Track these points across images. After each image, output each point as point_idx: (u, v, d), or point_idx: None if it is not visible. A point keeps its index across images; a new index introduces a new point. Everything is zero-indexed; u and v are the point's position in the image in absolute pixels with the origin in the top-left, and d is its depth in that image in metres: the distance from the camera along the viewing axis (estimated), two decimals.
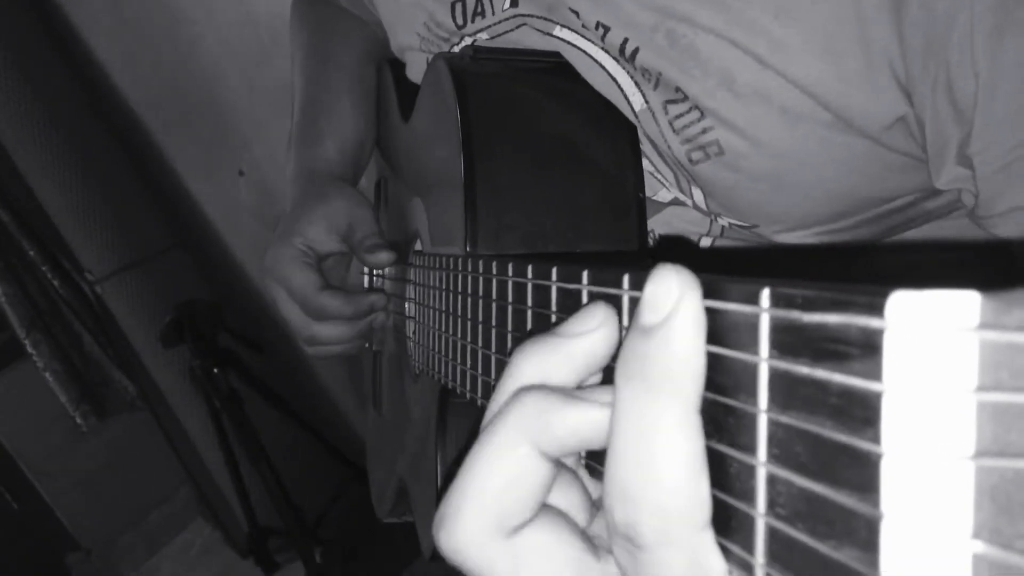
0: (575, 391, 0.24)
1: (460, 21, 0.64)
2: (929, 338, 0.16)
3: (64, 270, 1.74)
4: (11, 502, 1.80)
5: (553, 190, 0.53)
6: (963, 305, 0.15)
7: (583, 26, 0.56)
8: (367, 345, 0.93)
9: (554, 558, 0.24)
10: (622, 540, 0.22)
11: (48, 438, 1.84)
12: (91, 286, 1.74)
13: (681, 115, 0.53)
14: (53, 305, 1.79)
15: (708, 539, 0.21)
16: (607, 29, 0.54)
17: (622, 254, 0.53)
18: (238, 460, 1.60)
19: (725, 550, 0.21)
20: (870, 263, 0.60)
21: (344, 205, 0.76)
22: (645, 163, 0.59)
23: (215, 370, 1.52)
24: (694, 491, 0.21)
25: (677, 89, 0.52)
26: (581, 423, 0.23)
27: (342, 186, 0.79)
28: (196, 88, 1.77)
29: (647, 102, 0.55)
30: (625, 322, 0.26)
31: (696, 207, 0.59)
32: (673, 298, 0.21)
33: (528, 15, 0.59)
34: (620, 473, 0.21)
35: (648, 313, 0.21)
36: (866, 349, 0.17)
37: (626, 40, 0.53)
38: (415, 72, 0.73)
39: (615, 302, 0.26)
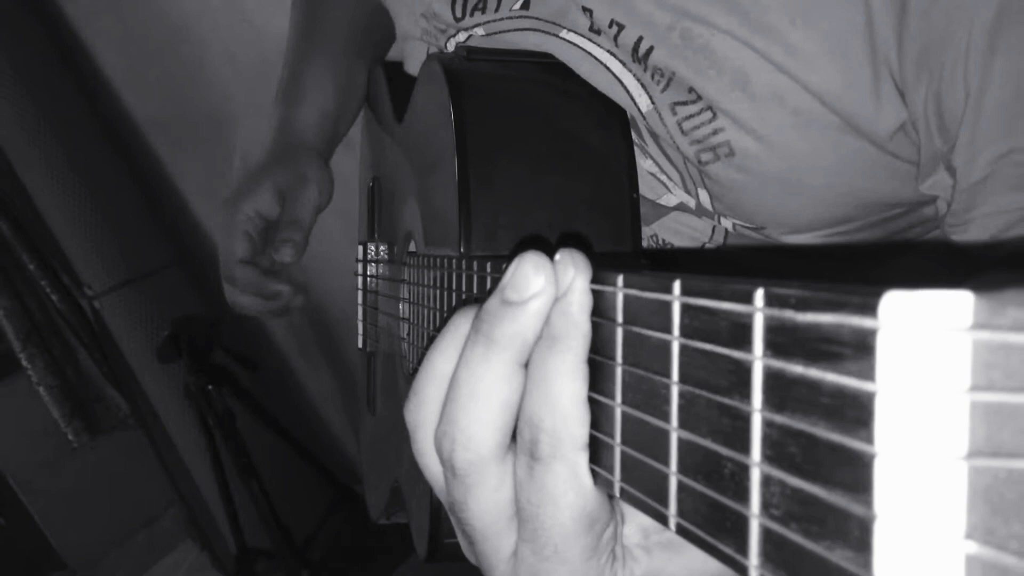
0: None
1: (459, 14, 0.65)
2: (922, 338, 0.16)
3: (63, 284, 1.74)
4: None
5: (547, 190, 0.53)
6: (956, 305, 0.16)
7: (591, 28, 0.57)
8: (360, 347, 0.93)
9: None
10: (525, 457, 0.28)
11: (38, 453, 1.82)
12: (89, 301, 1.73)
13: (691, 116, 0.53)
14: (50, 319, 1.78)
15: (584, 457, 0.28)
16: (621, 27, 0.55)
17: (616, 254, 0.53)
18: (228, 479, 1.59)
19: (719, 552, 0.21)
20: (874, 266, 0.61)
21: (292, 176, 0.79)
22: (649, 164, 0.59)
23: (209, 387, 1.52)
24: (578, 419, 0.28)
25: (691, 89, 0.52)
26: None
27: (308, 157, 0.81)
28: (200, 104, 1.78)
29: (654, 103, 0.55)
30: (620, 318, 0.26)
31: (700, 209, 0.59)
32: (568, 279, 0.27)
33: (537, 18, 0.60)
34: (528, 404, 0.28)
35: (559, 291, 0.28)
36: (859, 349, 0.17)
37: (640, 39, 0.54)
38: (412, 64, 0.74)
39: (607, 299, 0.27)
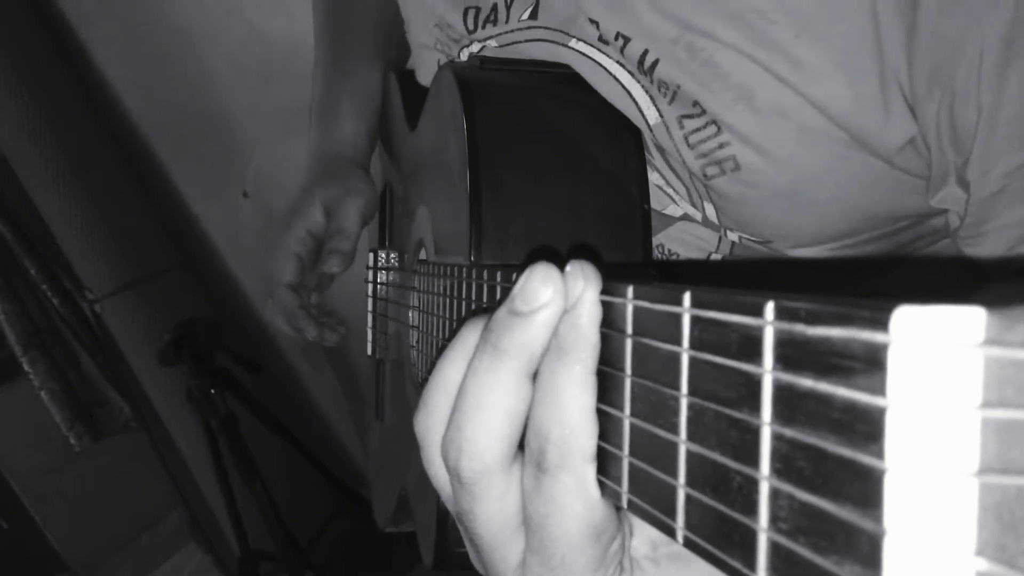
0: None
1: (471, 26, 0.65)
2: (934, 353, 0.16)
3: (64, 288, 1.74)
4: (1, 521, 1.78)
5: (558, 200, 0.53)
6: (968, 321, 0.15)
7: (600, 39, 0.57)
8: (369, 354, 0.93)
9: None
10: (532, 467, 0.28)
11: (41, 457, 1.82)
12: (91, 305, 1.73)
13: (697, 130, 0.53)
14: (52, 323, 1.78)
15: (592, 469, 0.28)
16: (627, 40, 0.54)
17: (626, 265, 0.53)
18: (231, 482, 1.59)
19: (726, 565, 0.21)
20: (880, 278, 0.60)
21: (338, 191, 0.81)
22: (656, 177, 0.59)
23: (212, 390, 1.52)
24: (587, 430, 0.28)
25: (695, 103, 0.52)
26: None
27: (351, 170, 0.83)
28: (202, 108, 1.78)
29: (661, 116, 0.55)
30: (630, 330, 0.26)
31: (707, 222, 0.59)
32: (578, 291, 0.27)
33: (546, 27, 0.60)
34: (535, 415, 0.28)
35: (569, 302, 0.28)
36: (870, 364, 0.17)
37: (646, 52, 0.54)
38: (424, 74, 0.74)
39: (617, 310, 0.27)
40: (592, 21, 0.56)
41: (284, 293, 0.79)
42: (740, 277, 0.62)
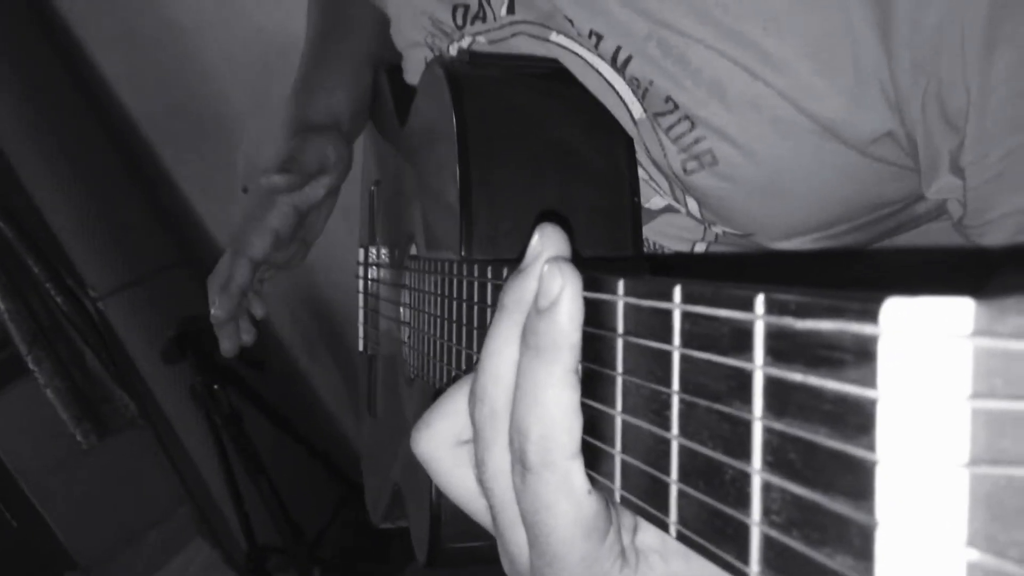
0: None
1: (460, 22, 0.65)
2: (923, 345, 0.16)
3: (67, 286, 1.74)
4: (10, 520, 1.79)
5: (549, 195, 0.53)
6: (957, 312, 0.15)
7: (578, 34, 0.56)
8: (361, 350, 0.93)
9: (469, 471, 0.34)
10: (518, 466, 0.29)
11: (48, 455, 1.83)
12: (94, 302, 1.74)
13: (672, 126, 0.53)
14: (55, 322, 1.79)
15: (576, 465, 0.28)
16: (600, 38, 0.54)
17: (618, 259, 0.53)
18: (237, 477, 1.60)
19: (720, 559, 0.21)
20: (864, 268, 0.60)
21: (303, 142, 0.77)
22: (639, 171, 0.59)
23: (215, 387, 1.52)
24: (566, 428, 0.28)
25: (667, 99, 0.52)
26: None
27: (327, 132, 0.79)
28: (201, 104, 1.78)
29: (645, 111, 0.55)
30: (620, 325, 0.26)
31: (690, 215, 0.59)
32: (557, 288, 0.27)
33: (524, 22, 0.60)
34: (515, 413, 0.28)
35: (541, 299, 0.28)
36: (860, 356, 0.17)
37: (619, 49, 0.53)
38: (412, 73, 0.73)
39: (607, 306, 0.27)
40: (567, 18, 0.56)
41: (241, 265, 0.77)
42: (730, 269, 0.61)
